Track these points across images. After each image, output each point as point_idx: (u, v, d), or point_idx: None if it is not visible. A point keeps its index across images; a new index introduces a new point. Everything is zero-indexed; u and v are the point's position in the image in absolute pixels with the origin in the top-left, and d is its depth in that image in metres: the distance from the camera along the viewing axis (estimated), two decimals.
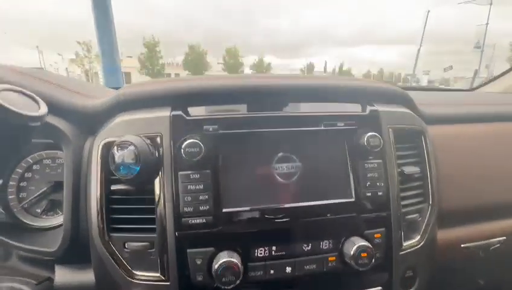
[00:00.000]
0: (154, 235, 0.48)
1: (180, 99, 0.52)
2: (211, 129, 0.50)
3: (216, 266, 0.44)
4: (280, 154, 0.52)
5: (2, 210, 0.61)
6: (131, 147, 0.45)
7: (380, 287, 0.53)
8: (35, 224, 0.63)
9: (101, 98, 0.57)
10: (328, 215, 0.51)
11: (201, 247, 0.47)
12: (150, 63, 29.93)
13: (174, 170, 0.48)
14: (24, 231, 0.60)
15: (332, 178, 0.53)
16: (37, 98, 0.29)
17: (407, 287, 0.57)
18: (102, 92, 0.63)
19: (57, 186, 0.62)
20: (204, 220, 0.47)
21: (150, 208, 0.49)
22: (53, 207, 0.63)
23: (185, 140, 0.48)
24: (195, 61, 34.70)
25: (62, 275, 0.52)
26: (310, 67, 55.13)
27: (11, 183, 0.63)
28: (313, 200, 0.51)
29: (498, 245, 0.67)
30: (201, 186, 0.47)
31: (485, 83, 1.34)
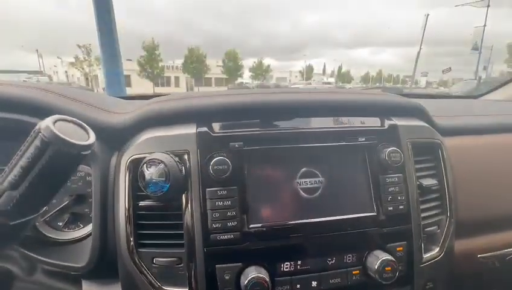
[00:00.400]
0: (182, 250, 0.49)
1: (206, 116, 0.53)
2: (236, 146, 0.51)
3: (245, 282, 0.45)
4: (303, 169, 0.53)
5: None
6: (161, 165, 0.46)
7: None
8: (57, 237, 0.63)
9: (122, 112, 0.58)
10: (351, 229, 0.52)
11: (229, 262, 0.48)
12: (150, 66, 29.96)
13: (202, 186, 0.49)
14: (46, 245, 0.60)
15: (354, 192, 0.55)
16: (84, 125, 0.30)
17: None
18: (120, 106, 0.64)
19: (78, 199, 0.63)
20: (232, 236, 0.48)
21: (177, 224, 0.50)
22: (75, 220, 0.64)
23: (212, 157, 0.49)
24: (195, 64, 34.76)
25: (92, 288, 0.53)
26: (309, 69, 55.31)
27: None
28: (336, 215, 0.52)
29: None
30: (229, 203, 0.49)
31: (489, 91, 1.36)
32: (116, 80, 4.76)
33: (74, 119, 0.29)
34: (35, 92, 0.53)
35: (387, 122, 0.59)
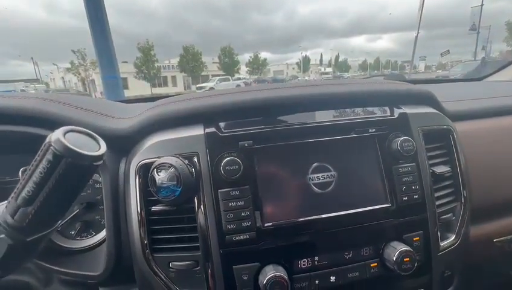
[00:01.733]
0: (198, 253, 0.48)
1: (213, 116, 0.52)
2: (246, 145, 0.50)
3: (264, 281, 0.45)
4: (315, 164, 0.52)
5: None
6: (172, 169, 0.45)
7: (422, 289, 0.54)
8: (71, 246, 0.63)
9: (126, 118, 0.58)
10: (366, 222, 0.52)
11: (247, 262, 0.48)
12: (146, 67, 29.82)
13: (214, 188, 0.48)
14: (61, 254, 0.60)
15: (367, 184, 0.54)
16: (94, 134, 0.30)
17: (446, 286, 0.57)
18: (122, 110, 0.62)
19: (89, 207, 0.63)
20: (247, 236, 0.47)
21: (191, 227, 0.49)
22: (86, 228, 0.64)
23: (223, 158, 0.48)
24: (191, 62, 34.55)
25: None
26: (306, 60, 54.84)
27: None
28: (350, 209, 0.52)
29: None
30: (242, 203, 0.48)
31: (492, 73, 1.34)
32: (114, 84, 4.75)
33: (83, 129, 0.29)
34: (35, 102, 0.52)
35: (397, 111, 0.58)
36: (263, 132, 0.52)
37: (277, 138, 0.51)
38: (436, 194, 0.57)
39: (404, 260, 0.49)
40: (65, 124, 0.51)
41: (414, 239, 0.53)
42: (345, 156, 0.54)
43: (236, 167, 0.47)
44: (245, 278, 0.47)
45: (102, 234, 0.60)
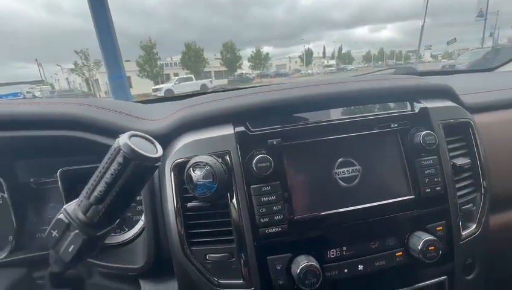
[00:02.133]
0: (233, 245, 0.51)
1: (241, 116, 0.55)
2: (275, 142, 0.52)
3: (298, 271, 0.48)
4: (340, 159, 0.55)
5: None
6: (207, 167, 0.48)
7: (445, 277, 0.56)
8: (107, 242, 0.67)
9: (155, 119, 0.60)
10: (391, 213, 0.54)
11: (279, 253, 0.51)
12: (149, 65, 29.90)
13: (246, 184, 0.51)
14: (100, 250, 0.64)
15: (391, 177, 0.56)
16: (151, 138, 0.32)
17: (468, 273, 0.59)
18: (148, 112, 0.65)
19: None
20: (280, 229, 0.50)
21: (225, 221, 0.52)
22: (120, 225, 0.67)
23: (253, 155, 0.51)
24: (193, 59, 34.49)
25: (148, 288, 0.56)
26: (309, 53, 54.24)
27: None
28: (375, 201, 0.54)
29: None
30: (274, 197, 0.51)
31: (504, 63, 1.33)
32: (121, 84, 4.79)
33: (142, 134, 0.31)
34: (79, 108, 0.56)
35: (417, 106, 0.59)
36: (290, 130, 0.54)
37: (303, 135, 0.54)
38: (457, 185, 0.59)
39: (429, 248, 0.51)
40: (107, 128, 0.55)
41: (437, 229, 0.55)
42: (369, 150, 0.56)
43: (268, 163, 0.49)
44: (278, 267, 0.50)
45: (135, 230, 0.64)
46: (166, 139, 0.57)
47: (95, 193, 0.29)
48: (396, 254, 0.54)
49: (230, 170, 0.51)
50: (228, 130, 0.54)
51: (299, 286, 0.48)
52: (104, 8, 4.38)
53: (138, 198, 0.61)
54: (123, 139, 0.29)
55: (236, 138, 0.53)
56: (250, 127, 0.54)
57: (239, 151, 0.52)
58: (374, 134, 0.56)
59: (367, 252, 0.53)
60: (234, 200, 0.51)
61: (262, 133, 0.53)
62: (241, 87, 1.06)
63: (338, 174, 0.54)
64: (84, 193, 0.31)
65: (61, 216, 0.31)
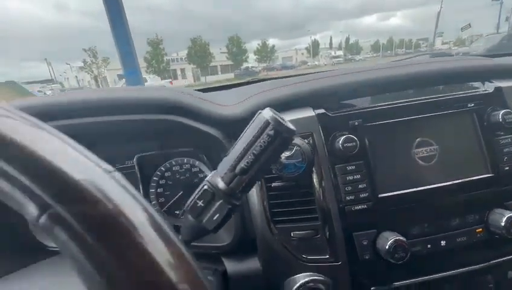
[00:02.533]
0: (317, 223, 0.54)
1: (320, 99, 0.56)
2: (356, 123, 0.54)
3: (387, 245, 0.49)
4: (418, 139, 0.56)
5: None
6: (297, 148, 0.50)
7: None
8: (177, 224, 0.70)
9: (230, 105, 0.62)
10: (470, 191, 0.55)
11: (365, 229, 0.52)
12: (156, 61, 30.04)
13: (331, 163, 0.53)
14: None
15: (469, 156, 0.57)
16: (280, 116, 0.34)
17: None
18: (214, 98, 0.68)
19: (189, 190, 0.70)
20: (365, 206, 0.52)
21: (309, 200, 0.54)
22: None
23: (337, 136, 0.52)
24: (199, 53, 34.41)
25: (232, 265, 0.59)
26: (315, 44, 53.33)
27: (151, 190, 0.71)
28: (454, 179, 0.55)
29: None
30: (359, 176, 0.52)
31: None
32: (136, 80, 4.86)
33: (275, 111, 0.33)
34: (173, 93, 0.59)
35: (490, 86, 0.59)
36: (369, 111, 0.55)
37: (382, 116, 0.55)
38: None
39: None
40: (200, 114, 0.57)
41: None
42: (445, 130, 0.57)
43: (354, 143, 0.51)
44: (364, 243, 0.52)
45: None
46: (244, 122, 0.59)
47: (242, 165, 0.32)
48: (477, 231, 0.55)
49: (315, 151, 0.53)
50: (308, 113, 0.55)
51: (388, 260, 0.50)
52: (118, 6, 4.41)
53: None
54: (269, 114, 0.31)
55: (319, 120, 0.54)
56: (329, 110, 0.56)
57: (321, 132, 0.54)
58: (450, 114, 0.57)
59: (448, 229, 0.54)
60: (319, 179, 0.53)
61: (342, 115, 0.55)
62: (292, 75, 1.06)
63: (417, 154, 0.55)
64: (227, 165, 0.33)
65: (206, 187, 0.34)
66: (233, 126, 0.60)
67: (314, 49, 53.19)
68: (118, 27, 4.44)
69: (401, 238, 0.50)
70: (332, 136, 0.53)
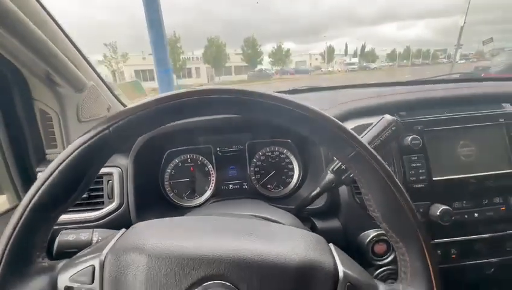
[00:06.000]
0: None
1: (393, 109, 0.80)
2: (419, 128, 0.78)
3: (438, 212, 0.73)
4: (461, 142, 0.79)
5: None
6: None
7: None
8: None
9: (328, 109, 0.87)
10: (497, 180, 0.78)
11: (422, 201, 0.76)
12: (172, 59, 30.68)
13: (400, 154, 0.77)
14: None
15: (497, 156, 0.80)
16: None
17: None
18: None
19: (279, 171, 0.95)
20: (423, 185, 0.76)
21: None
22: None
23: (407, 136, 0.76)
24: (214, 54, 34.89)
25: (320, 223, 0.83)
26: (330, 50, 53.28)
27: (250, 169, 0.96)
28: (486, 171, 0.78)
29: None
30: (419, 164, 0.76)
31: None
32: (168, 78, 5.17)
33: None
34: None
35: None
36: (429, 120, 0.79)
37: (437, 124, 0.79)
38: None
39: None
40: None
41: None
42: (481, 136, 0.80)
43: (418, 141, 0.75)
44: (421, 210, 0.76)
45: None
46: None
47: (373, 145, 0.56)
48: (501, 209, 0.78)
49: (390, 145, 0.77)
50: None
51: (439, 222, 0.73)
52: (157, 10, 4.74)
53: None
54: (393, 117, 0.56)
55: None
56: (399, 118, 0.80)
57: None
58: (486, 125, 0.80)
59: (480, 205, 0.77)
60: (392, 164, 0.77)
61: (410, 121, 0.79)
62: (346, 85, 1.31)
63: (460, 152, 0.79)
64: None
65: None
66: None
67: (329, 55, 53.01)
68: (155, 29, 4.76)
69: (447, 207, 0.73)
70: (401, 135, 0.77)
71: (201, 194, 0.94)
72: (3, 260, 0.33)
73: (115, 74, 34.77)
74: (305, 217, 0.85)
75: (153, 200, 0.87)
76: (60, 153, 0.37)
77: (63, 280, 0.36)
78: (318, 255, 0.38)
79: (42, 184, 0.35)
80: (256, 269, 0.34)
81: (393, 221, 0.38)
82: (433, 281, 0.36)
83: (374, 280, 0.39)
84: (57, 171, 0.35)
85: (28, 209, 0.34)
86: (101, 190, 0.80)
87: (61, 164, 0.35)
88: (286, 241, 0.40)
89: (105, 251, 0.37)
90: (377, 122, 0.58)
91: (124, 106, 1.02)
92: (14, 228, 0.34)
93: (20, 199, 0.86)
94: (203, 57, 36.34)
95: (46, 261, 0.38)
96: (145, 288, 0.33)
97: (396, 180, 0.38)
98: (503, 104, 0.84)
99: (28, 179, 0.85)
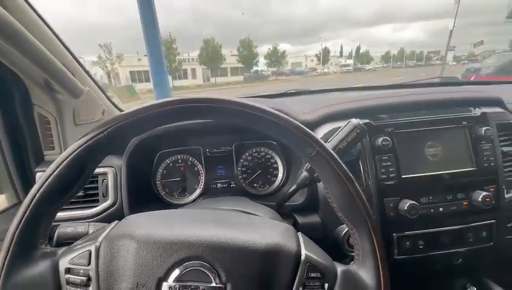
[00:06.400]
0: None
1: (366, 113, 0.88)
2: (389, 130, 0.85)
3: (406, 207, 0.80)
4: (428, 142, 0.87)
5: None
6: None
7: (494, 220, 0.87)
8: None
9: (308, 112, 0.93)
10: (460, 178, 0.85)
11: (392, 197, 0.83)
12: (168, 60, 30.58)
13: (373, 154, 0.84)
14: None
15: (461, 156, 0.87)
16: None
17: (509, 222, 0.90)
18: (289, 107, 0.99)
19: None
20: (393, 182, 0.83)
21: (356, 176, 0.85)
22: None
23: (377, 137, 0.83)
24: (210, 55, 34.89)
25: (301, 218, 0.90)
26: (325, 52, 53.68)
27: (238, 169, 1.03)
28: (450, 170, 0.85)
29: None
30: (389, 163, 0.83)
31: None
32: (163, 81, 5.21)
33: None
34: None
35: (478, 111, 0.90)
36: (398, 123, 0.86)
37: (406, 126, 0.86)
38: (504, 164, 0.89)
39: (486, 200, 0.82)
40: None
41: (490, 189, 0.86)
42: (447, 138, 0.87)
43: (388, 142, 0.82)
44: (391, 205, 0.83)
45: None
46: (313, 126, 0.91)
47: (340, 147, 0.63)
48: (463, 203, 0.85)
49: (363, 146, 0.84)
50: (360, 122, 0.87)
51: (406, 216, 0.80)
52: (152, 11, 4.79)
53: None
54: (357, 121, 0.63)
55: (366, 127, 0.86)
56: (371, 120, 0.87)
57: (367, 134, 0.85)
58: (450, 127, 0.87)
59: (445, 200, 0.85)
60: (364, 163, 0.84)
61: (381, 124, 0.86)
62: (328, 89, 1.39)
63: (427, 152, 0.86)
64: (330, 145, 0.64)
65: None
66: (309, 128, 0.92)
67: (324, 56, 53.41)
68: (150, 31, 4.80)
69: (415, 203, 0.81)
70: (373, 137, 0.85)
71: (192, 193, 1.00)
72: (12, 245, 0.39)
73: (110, 75, 34.56)
74: (287, 213, 0.92)
75: (146, 198, 0.93)
76: (57, 155, 0.43)
77: (64, 262, 0.42)
78: (285, 241, 0.45)
79: (44, 182, 0.41)
80: (229, 251, 0.41)
81: (347, 211, 0.45)
82: (379, 260, 0.43)
83: (334, 262, 0.46)
84: (57, 171, 0.41)
85: (32, 203, 0.40)
86: (96, 188, 0.85)
87: (61, 163, 0.42)
88: (258, 229, 0.47)
89: (100, 238, 0.43)
90: (344, 126, 0.65)
91: (118, 109, 1.08)
92: (21, 219, 0.40)
93: (19, 198, 0.91)
94: (198, 58, 36.33)
95: (49, 247, 0.44)
96: (134, 268, 0.40)
97: (350, 175, 0.45)
98: (469, 108, 0.92)
99: (26, 179, 0.90)
